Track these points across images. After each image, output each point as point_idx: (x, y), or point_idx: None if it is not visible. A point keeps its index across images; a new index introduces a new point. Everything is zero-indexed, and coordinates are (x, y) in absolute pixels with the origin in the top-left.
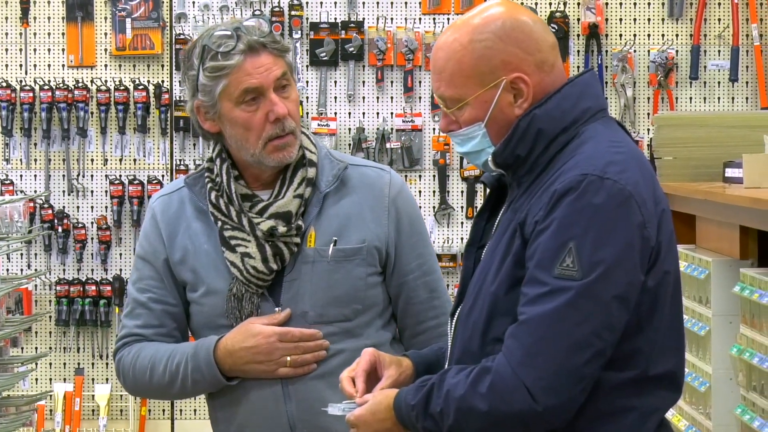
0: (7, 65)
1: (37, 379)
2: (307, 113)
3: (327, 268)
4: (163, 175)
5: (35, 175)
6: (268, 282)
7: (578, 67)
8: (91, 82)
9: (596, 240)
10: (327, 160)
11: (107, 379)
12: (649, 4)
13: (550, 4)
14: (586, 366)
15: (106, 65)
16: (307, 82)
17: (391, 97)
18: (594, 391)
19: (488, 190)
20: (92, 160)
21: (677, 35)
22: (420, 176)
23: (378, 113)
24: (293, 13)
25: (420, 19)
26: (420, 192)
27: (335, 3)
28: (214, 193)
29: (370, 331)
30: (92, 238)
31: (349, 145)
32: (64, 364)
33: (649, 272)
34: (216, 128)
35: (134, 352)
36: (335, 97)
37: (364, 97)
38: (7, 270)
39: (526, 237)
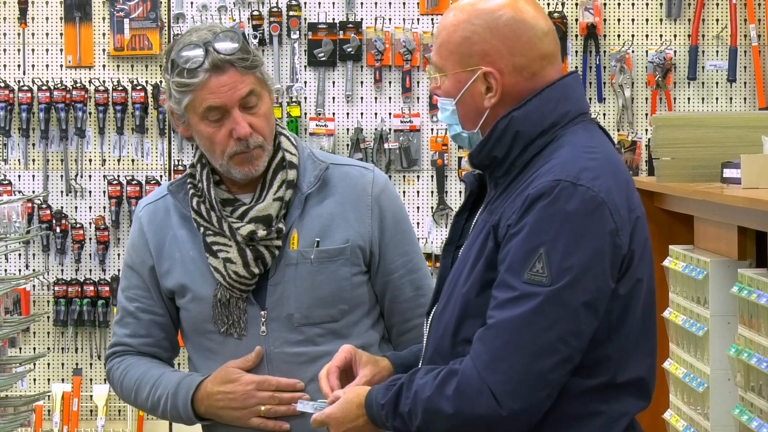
0: (5, 65)
1: (35, 380)
2: (305, 114)
3: (310, 270)
4: (161, 176)
5: (33, 176)
6: (251, 286)
7: (576, 67)
8: (89, 82)
9: (567, 246)
10: (309, 161)
11: (105, 380)
12: (647, 4)
13: (548, 4)
14: (552, 372)
15: (104, 65)
16: (306, 82)
17: (390, 98)
18: (561, 396)
19: (469, 190)
20: (90, 160)
21: (675, 36)
22: (418, 176)
23: (376, 114)
24: (291, 13)
25: (418, 19)
26: (418, 192)
27: (333, 3)
28: (196, 199)
29: (358, 331)
30: (90, 239)
31: (347, 145)
32: (62, 364)
33: (621, 279)
34: (188, 133)
35: (122, 369)
36: (333, 98)
37: (362, 98)
38: (5, 270)
39: (498, 240)
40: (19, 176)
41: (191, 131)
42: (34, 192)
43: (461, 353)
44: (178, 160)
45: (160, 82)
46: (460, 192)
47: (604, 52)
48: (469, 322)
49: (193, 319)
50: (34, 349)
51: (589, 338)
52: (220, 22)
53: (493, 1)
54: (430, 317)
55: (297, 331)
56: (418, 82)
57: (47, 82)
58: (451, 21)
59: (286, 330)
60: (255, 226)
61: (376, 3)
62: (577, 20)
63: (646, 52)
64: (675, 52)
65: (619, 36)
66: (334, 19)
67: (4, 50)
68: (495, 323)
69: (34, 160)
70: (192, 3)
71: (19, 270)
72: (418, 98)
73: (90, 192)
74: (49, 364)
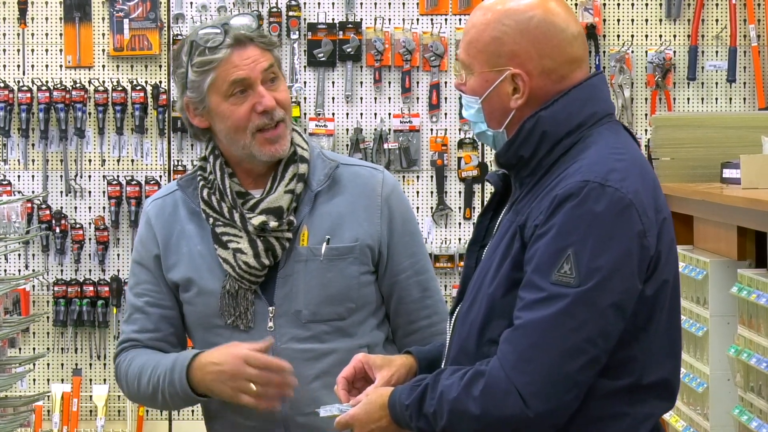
0: (4, 66)
1: (34, 380)
2: (305, 114)
3: (320, 267)
4: (160, 176)
5: (33, 176)
6: (260, 278)
7: None
8: (89, 82)
9: (595, 247)
10: (319, 160)
11: (105, 380)
12: (646, 4)
13: None
14: (580, 373)
15: (103, 66)
16: (305, 82)
17: (389, 98)
18: (586, 398)
19: (493, 189)
20: (90, 160)
21: (675, 36)
22: (418, 177)
23: (376, 114)
24: (291, 13)
25: (417, 19)
26: (418, 192)
27: (333, 4)
28: (206, 191)
29: (364, 330)
30: (90, 239)
31: (347, 145)
32: (62, 364)
33: (648, 281)
34: (205, 124)
35: (128, 360)
36: (333, 98)
37: (361, 98)
38: (5, 270)
39: (525, 240)
40: (19, 176)
41: (210, 119)
42: (33, 192)
43: (487, 354)
44: (178, 161)
45: (160, 82)
46: (460, 192)
47: (604, 52)
48: (495, 323)
49: (199, 313)
50: (34, 349)
51: (616, 339)
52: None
53: (524, 2)
54: (454, 317)
55: (304, 328)
56: (417, 83)
57: (47, 82)
58: (481, 19)
59: (293, 326)
60: (266, 217)
61: (375, 3)
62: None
63: (646, 52)
64: (674, 52)
65: (618, 36)
66: (333, 19)
67: (4, 50)
68: (522, 324)
69: (33, 161)
70: (192, 3)
71: (19, 270)
72: (417, 98)
73: (89, 192)
74: (48, 364)
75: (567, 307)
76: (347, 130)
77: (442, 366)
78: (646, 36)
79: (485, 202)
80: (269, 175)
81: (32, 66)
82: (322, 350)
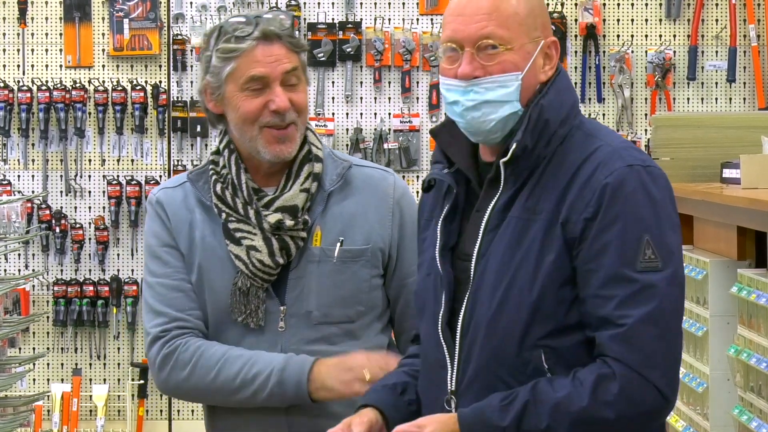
0: (4, 65)
1: (34, 380)
2: None
3: (333, 268)
4: (160, 176)
5: (33, 176)
6: (273, 276)
7: (576, 67)
8: (89, 82)
9: (664, 227)
10: (330, 159)
11: (105, 380)
12: (646, 4)
13: (548, 4)
14: (681, 350)
15: (103, 66)
16: None
17: (389, 98)
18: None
19: (453, 192)
20: (90, 160)
21: (675, 36)
22: (417, 177)
23: (375, 114)
24: (291, 13)
25: (417, 19)
26: (417, 192)
27: (333, 3)
28: (220, 185)
29: (370, 333)
30: (90, 239)
31: (347, 145)
32: (62, 364)
33: None
34: (220, 110)
35: (194, 348)
36: (333, 98)
37: (361, 98)
38: (5, 270)
39: (570, 236)
40: (19, 176)
41: (224, 106)
42: (33, 192)
43: (529, 359)
44: (178, 160)
45: (160, 82)
46: None
47: (604, 52)
48: (539, 326)
49: (209, 309)
50: (34, 349)
51: None
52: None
53: None
54: (460, 328)
55: (314, 329)
56: (417, 83)
57: (47, 82)
58: None
59: (304, 327)
60: (282, 215)
61: (375, 3)
62: (576, 20)
63: (646, 52)
64: (674, 52)
65: (618, 36)
66: (333, 19)
67: (4, 50)
68: (635, 321)
69: (33, 160)
70: (191, 3)
71: (19, 270)
72: (417, 98)
73: (89, 192)
74: (48, 364)
75: (665, 293)
76: (347, 130)
77: (451, 381)
78: (646, 36)
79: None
80: (283, 173)
81: (32, 66)
82: (330, 352)
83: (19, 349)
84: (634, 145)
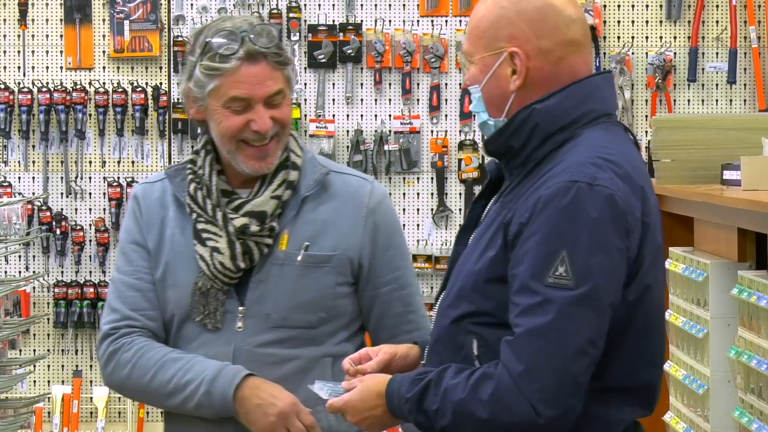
0: (5, 67)
1: (35, 382)
2: (305, 115)
3: (296, 273)
4: None
5: (33, 177)
6: (234, 280)
7: None
8: (89, 84)
9: (589, 248)
10: (310, 165)
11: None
12: (647, 6)
13: None
14: (583, 375)
15: (104, 67)
16: (305, 84)
17: (390, 100)
18: None
19: (488, 177)
20: (90, 162)
21: (675, 37)
22: (418, 178)
23: (376, 115)
24: (291, 15)
25: (418, 21)
26: (418, 194)
27: (333, 5)
28: (194, 185)
29: (333, 341)
30: (90, 241)
31: (347, 147)
32: (62, 366)
33: (629, 285)
34: (201, 116)
35: (137, 349)
36: (333, 99)
37: (362, 100)
38: (5, 272)
39: (508, 237)
40: (19, 178)
41: (206, 115)
42: (34, 194)
43: (462, 343)
44: (178, 162)
45: (161, 83)
46: (460, 194)
47: (604, 53)
48: (468, 315)
49: (172, 308)
50: (34, 350)
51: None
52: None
53: None
54: (437, 306)
55: (272, 332)
56: (418, 84)
57: (47, 83)
58: (481, 7)
59: (261, 329)
60: (249, 220)
61: (376, 5)
62: None
63: (646, 53)
64: (675, 53)
65: (619, 38)
66: (334, 20)
67: (4, 52)
68: (525, 331)
69: (34, 162)
70: (192, 5)
71: (19, 272)
72: (418, 100)
73: (90, 194)
74: (49, 366)
75: (565, 311)
76: (348, 131)
77: (424, 355)
78: (647, 37)
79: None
80: (258, 178)
81: (33, 67)
82: (285, 356)
83: (20, 350)
84: (608, 164)
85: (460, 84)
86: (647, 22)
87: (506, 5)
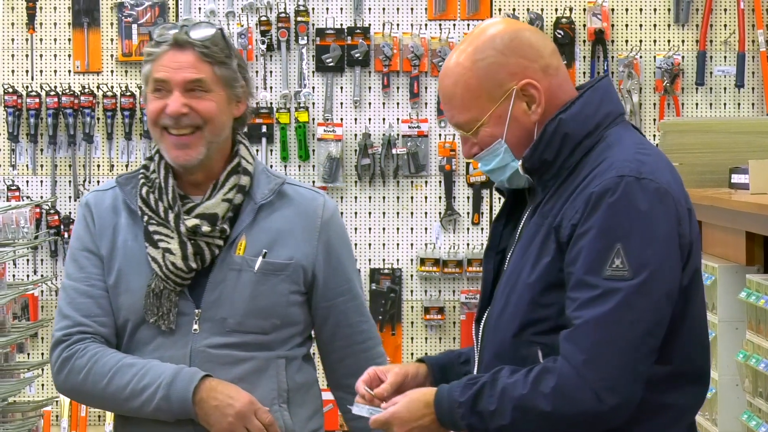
0: (13, 71)
1: (43, 385)
2: (313, 119)
3: (253, 279)
4: None
5: (41, 181)
6: (186, 281)
7: (584, 72)
8: (98, 87)
9: (642, 239)
10: (264, 175)
11: None
12: (655, 10)
13: (556, 10)
14: (643, 363)
15: (112, 71)
16: (314, 88)
17: (397, 103)
18: None
19: (505, 196)
20: (98, 165)
21: (683, 41)
22: (426, 182)
23: (384, 119)
24: (299, 19)
25: (426, 25)
26: (426, 198)
27: (341, 9)
28: (146, 189)
29: (286, 346)
30: None
31: (355, 150)
32: None
33: (684, 270)
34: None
35: (91, 355)
36: (341, 103)
37: (370, 103)
38: (14, 276)
39: (561, 240)
40: (27, 182)
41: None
42: (42, 197)
43: (525, 356)
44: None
45: None
46: (468, 198)
47: (612, 57)
48: (533, 324)
49: (124, 312)
50: (42, 354)
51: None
52: (227, 28)
53: (483, 33)
54: (483, 322)
55: (227, 336)
56: (426, 88)
57: (55, 87)
58: (459, 72)
59: (217, 332)
60: (200, 221)
61: (384, 8)
62: (585, 26)
63: (654, 57)
64: (683, 57)
65: (627, 41)
66: (342, 24)
67: (13, 56)
68: (584, 323)
69: (42, 166)
70: (200, 9)
71: (27, 275)
72: (426, 104)
73: None
74: None
75: (625, 300)
76: (356, 135)
77: (474, 372)
78: (655, 41)
79: (493, 208)
80: (210, 183)
81: (41, 71)
82: (239, 357)
83: (28, 354)
84: (648, 158)
85: None
86: (655, 25)
87: (485, 54)
